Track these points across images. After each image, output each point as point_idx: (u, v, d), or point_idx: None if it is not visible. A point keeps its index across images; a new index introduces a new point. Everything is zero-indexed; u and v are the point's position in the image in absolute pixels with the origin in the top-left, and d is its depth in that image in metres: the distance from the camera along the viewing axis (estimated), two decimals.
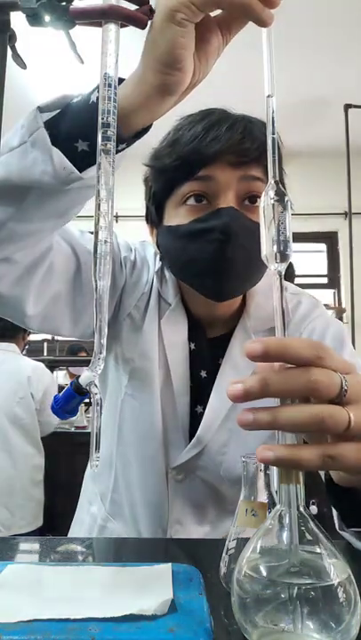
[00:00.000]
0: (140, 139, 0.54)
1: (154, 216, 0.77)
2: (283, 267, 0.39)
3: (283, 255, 0.39)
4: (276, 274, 0.39)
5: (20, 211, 0.55)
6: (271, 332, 0.39)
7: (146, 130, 0.53)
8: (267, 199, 0.40)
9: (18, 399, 2.22)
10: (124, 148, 0.52)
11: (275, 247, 0.39)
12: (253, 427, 0.35)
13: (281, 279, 0.39)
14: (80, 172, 0.51)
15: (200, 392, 0.78)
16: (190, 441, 0.77)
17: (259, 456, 0.35)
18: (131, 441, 0.80)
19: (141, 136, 0.54)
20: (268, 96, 0.41)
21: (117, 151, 0.45)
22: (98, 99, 0.49)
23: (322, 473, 0.56)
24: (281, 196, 0.39)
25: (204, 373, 0.79)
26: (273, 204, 0.39)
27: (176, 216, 0.72)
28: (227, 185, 0.69)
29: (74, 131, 0.51)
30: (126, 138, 0.52)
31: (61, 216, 0.59)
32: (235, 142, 0.67)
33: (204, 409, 0.77)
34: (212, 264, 0.69)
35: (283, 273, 0.39)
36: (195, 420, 0.77)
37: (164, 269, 0.81)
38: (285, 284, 0.86)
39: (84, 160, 0.51)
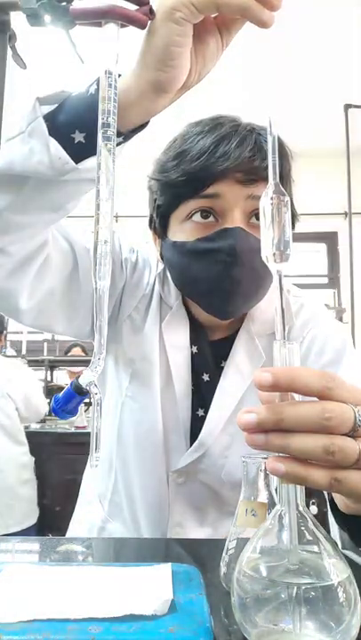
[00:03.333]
0: (137, 134, 0.54)
1: (158, 226, 0.76)
2: (283, 267, 0.39)
3: (283, 255, 0.39)
4: (276, 274, 0.39)
5: (16, 201, 0.55)
6: (274, 335, 0.39)
7: (143, 126, 0.53)
8: (266, 199, 0.40)
9: None
10: (120, 142, 0.52)
11: (275, 247, 0.39)
12: (264, 447, 0.35)
13: (281, 279, 0.39)
14: (76, 164, 0.51)
15: (202, 395, 0.78)
16: (191, 444, 0.76)
17: (269, 467, 0.35)
18: (131, 443, 0.79)
19: (138, 131, 0.54)
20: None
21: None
22: (96, 90, 0.49)
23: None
24: (281, 195, 0.39)
25: (206, 376, 0.78)
26: (272, 204, 0.39)
27: (181, 231, 0.71)
28: (234, 202, 0.67)
29: (71, 121, 0.51)
30: (123, 132, 0.52)
31: (57, 210, 0.59)
32: (244, 160, 0.65)
33: (205, 412, 0.76)
34: (218, 285, 0.68)
35: (283, 273, 0.39)
36: (196, 423, 0.77)
37: (166, 272, 0.80)
38: (288, 286, 0.86)
39: (80, 152, 0.51)
